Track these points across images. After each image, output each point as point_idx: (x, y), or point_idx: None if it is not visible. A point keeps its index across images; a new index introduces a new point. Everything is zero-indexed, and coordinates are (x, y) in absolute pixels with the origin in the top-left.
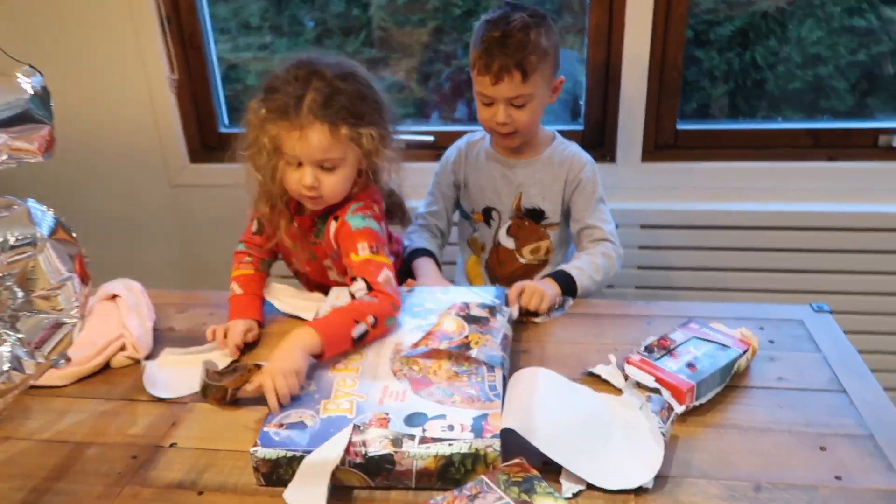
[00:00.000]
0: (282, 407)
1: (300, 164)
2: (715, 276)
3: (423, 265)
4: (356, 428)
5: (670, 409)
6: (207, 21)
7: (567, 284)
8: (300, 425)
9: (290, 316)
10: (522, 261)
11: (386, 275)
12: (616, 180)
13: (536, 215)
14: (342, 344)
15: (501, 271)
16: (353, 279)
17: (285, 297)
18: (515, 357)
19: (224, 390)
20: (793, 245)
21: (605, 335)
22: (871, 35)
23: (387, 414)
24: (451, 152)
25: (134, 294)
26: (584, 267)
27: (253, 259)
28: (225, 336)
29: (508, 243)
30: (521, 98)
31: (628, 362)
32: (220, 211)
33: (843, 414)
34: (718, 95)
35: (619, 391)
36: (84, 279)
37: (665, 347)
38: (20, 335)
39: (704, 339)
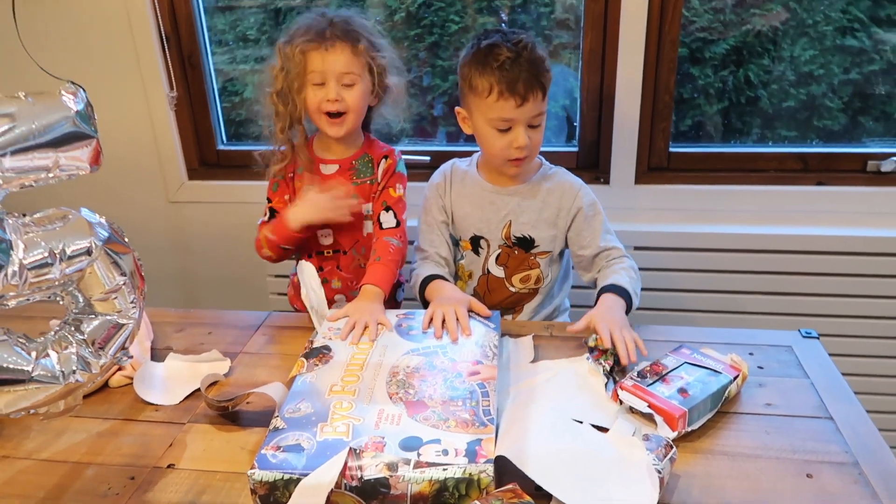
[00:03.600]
0: (278, 431)
1: (322, 84)
2: (708, 298)
3: (438, 285)
4: (352, 451)
5: (669, 447)
6: (206, 39)
7: (628, 299)
8: (297, 448)
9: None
10: (512, 289)
11: (406, 214)
12: (610, 202)
13: (526, 244)
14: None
15: (491, 299)
16: (387, 209)
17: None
18: (504, 374)
19: (224, 408)
20: (783, 268)
21: None
22: (863, 55)
23: (382, 437)
24: (436, 177)
25: None
26: (627, 279)
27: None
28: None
29: (498, 272)
30: (539, 117)
31: (621, 387)
32: (218, 227)
33: (830, 441)
34: (713, 112)
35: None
36: (138, 281)
37: (657, 373)
38: (84, 336)
39: (696, 365)
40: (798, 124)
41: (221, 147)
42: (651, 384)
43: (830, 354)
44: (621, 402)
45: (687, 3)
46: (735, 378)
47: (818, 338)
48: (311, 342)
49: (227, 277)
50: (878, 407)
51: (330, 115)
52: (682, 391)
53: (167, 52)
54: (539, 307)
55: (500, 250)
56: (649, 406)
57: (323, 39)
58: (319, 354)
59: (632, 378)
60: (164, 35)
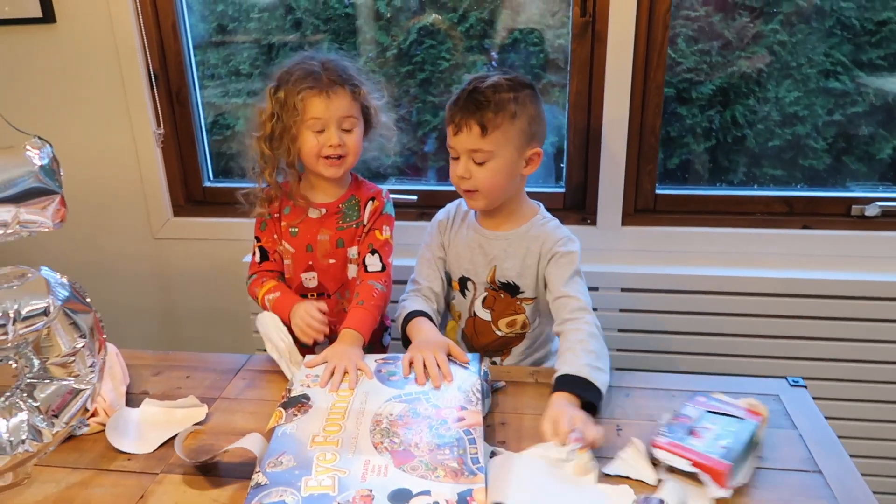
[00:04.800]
0: (260, 487)
1: (321, 131)
2: (693, 340)
3: (419, 324)
4: None
5: None
6: (195, 76)
7: (583, 388)
8: None
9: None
10: (499, 333)
11: (391, 258)
12: (596, 243)
13: (511, 289)
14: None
15: (478, 341)
16: (373, 252)
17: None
18: (491, 431)
19: (200, 464)
20: (769, 311)
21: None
22: (846, 97)
23: (370, 491)
24: (440, 214)
25: (108, 358)
26: (584, 361)
27: (269, 276)
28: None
29: (484, 315)
30: (480, 154)
31: (656, 446)
32: (203, 265)
33: (818, 496)
34: (700, 151)
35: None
36: (98, 344)
37: (684, 426)
38: (37, 404)
39: (717, 413)
40: (783, 163)
41: (208, 184)
42: (683, 439)
43: (815, 398)
44: (657, 463)
45: (673, 45)
46: (759, 423)
47: (805, 386)
48: (289, 391)
49: (211, 315)
50: (861, 451)
51: (328, 157)
52: (717, 443)
53: (155, 89)
54: (527, 351)
55: (486, 293)
56: (693, 464)
57: (322, 85)
58: (298, 404)
59: (663, 434)
60: (152, 72)
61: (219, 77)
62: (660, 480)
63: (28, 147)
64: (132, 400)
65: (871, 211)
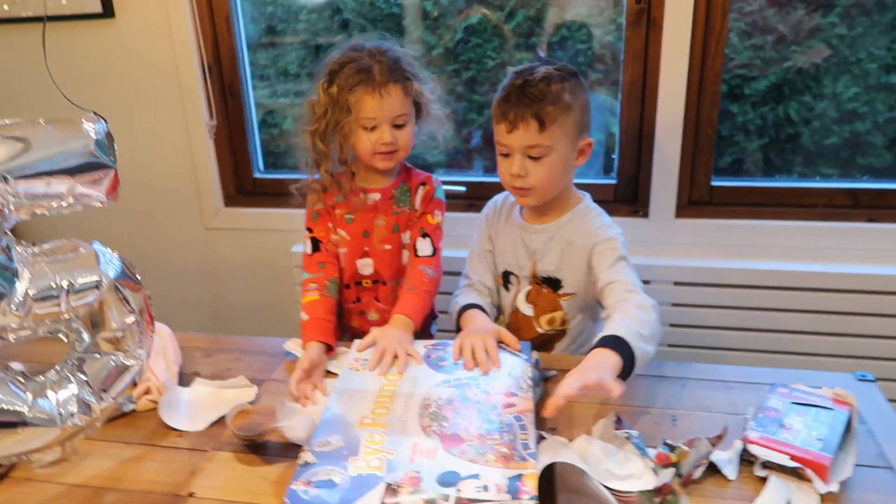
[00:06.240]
0: (308, 465)
1: (374, 128)
2: (749, 337)
3: (472, 315)
4: (389, 487)
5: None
6: (248, 70)
7: (618, 348)
8: (329, 483)
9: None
10: (540, 330)
11: (442, 242)
12: (649, 236)
13: (554, 283)
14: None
15: (519, 338)
16: (424, 236)
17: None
18: (542, 418)
19: (251, 440)
20: (831, 308)
21: (635, 395)
22: None
23: (418, 472)
24: (488, 207)
25: (161, 338)
26: (626, 324)
27: (318, 285)
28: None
29: (527, 310)
30: (537, 149)
31: (748, 441)
32: (252, 255)
33: (891, 493)
34: (753, 149)
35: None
36: (148, 321)
37: (773, 419)
38: (86, 378)
39: (804, 405)
40: (841, 162)
41: (258, 175)
42: (776, 433)
43: (887, 399)
44: (755, 459)
45: (726, 40)
46: (851, 413)
47: (874, 381)
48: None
49: (259, 304)
50: None
51: (381, 152)
52: (813, 435)
53: (208, 81)
54: (570, 348)
55: (530, 287)
56: (792, 458)
57: (374, 83)
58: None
59: (753, 428)
60: (206, 65)
61: (267, 78)
62: (764, 479)
63: (84, 121)
64: (184, 380)
65: None
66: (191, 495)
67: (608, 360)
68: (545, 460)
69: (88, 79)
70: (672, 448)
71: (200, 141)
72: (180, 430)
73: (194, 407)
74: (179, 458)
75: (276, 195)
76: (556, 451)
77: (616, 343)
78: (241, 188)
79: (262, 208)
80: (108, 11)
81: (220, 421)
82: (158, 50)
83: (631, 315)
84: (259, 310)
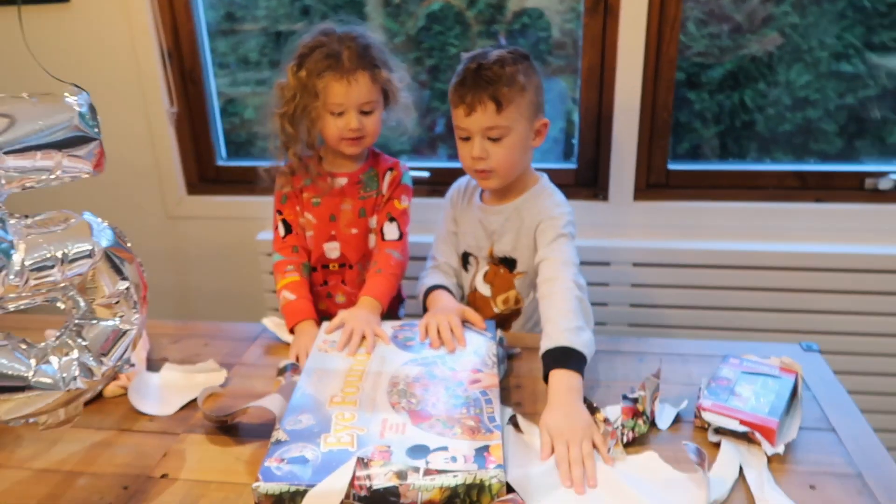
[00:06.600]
0: (281, 443)
1: (341, 114)
2: (706, 315)
3: (437, 295)
4: (360, 461)
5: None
6: (208, 56)
7: (569, 357)
8: (301, 459)
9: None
10: (496, 310)
11: (408, 227)
12: (608, 218)
13: (509, 263)
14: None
15: None
16: (391, 220)
17: (282, 332)
18: (507, 394)
19: (223, 422)
20: (782, 285)
21: (596, 371)
22: (857, 80)
23: (388, 446)
24: (452, 190)
25: None
26: (563, 326)
27: (295, 266)
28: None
29: (485, 290)
30: (496, 130)
31: (702, 409)
32: (216, 242)
33: (833, 452)
34: (709, 136)
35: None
36: (142, 287)
37: (725, 388)
38: (86, 343)
39: (753, 373)
40: (794, 148)
41: (221, 163)
42: (727, 400)
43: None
44: (708, 425)
45: (683, 28)
46: (796, 380)
47: (819, 351)
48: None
49: (224, 292)
50: (881, 424)
51: (347, 137)
52: (760, 401)
53: (168, 68)
54: (525, 326)
55: (487, 267)
56: (741, 423)
57: (342, 69)
58: (293, 369)
59: (706, 396)
60: (165, 51)
61: (227, 66)
62: (717, 444)
63: (66, 94)
64: (153, 366)
65: (884, 184)
66: (163, 476)
67: (573, 386)
68: (517, 473)
69: (44, 65)
70: (634, 400)
71: (161, 128)
72: (151, 415)
73: (164, 391)
74: (151, 441)
75: (239, 182)
76: (527, 459)
77: (565, 356)
78: (204, 176)
79: (226, 196)
80: None
81: (191, 405)
82: (116, 36)
83: (560, 309)
84: (225, 297)
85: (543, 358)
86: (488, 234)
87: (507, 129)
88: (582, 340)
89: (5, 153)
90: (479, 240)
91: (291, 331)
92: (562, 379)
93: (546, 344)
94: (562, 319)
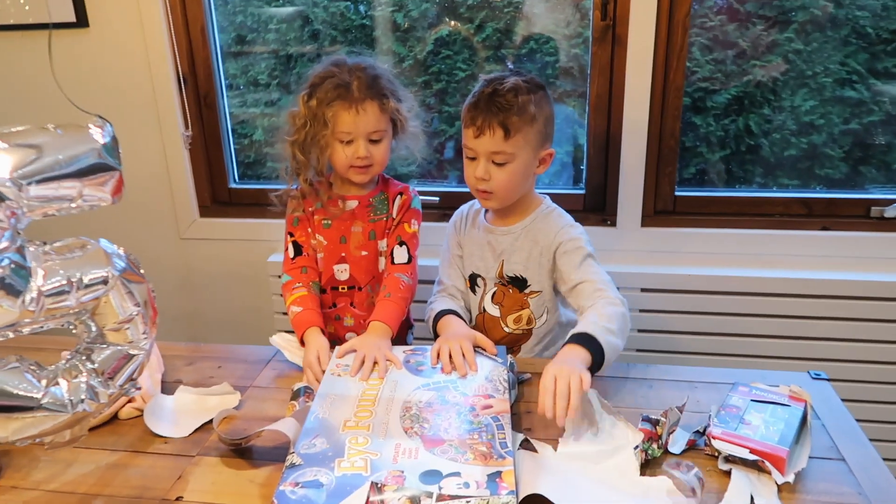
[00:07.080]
0: (295, 467)
1: (350, 142)
2: (714, 341)
3: (448, 320)
4: (374, 486)
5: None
6: (222, 81)
7: (588, 344)
8: (315, 483)
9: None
10: (507, 329)
11: (418, 251)
12: (616, 244)
13: (520, 283)
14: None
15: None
16: (400, 244)
17: (292, 347)
18: (517, 419)
19: (237, 444)
20: (789, 312)
21: (606, 396)
22: (862, 105)
23: (402, 472)
24: (455, 216)
25: None
26: (595, 320)
27: (303, 283)
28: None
29: (494, 311)
30: (501, 155)
31: (712, 437)
32: (228, 265)
33: (842, 482)
34: (715, 160)
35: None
36: (152, 313)
37: (734, 416)
38: (94, 366)
39: (762, 402)
40: (799, 173)
41: (233, 185)
42: (737, 428)
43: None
44: (718, 453)
45: (688, 54)
46: (805, 409)
47: (828, 379)
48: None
49: (236, 314)
50: (887, 454)
51: (355, 165)
52: (771, 430)
53: (184, 92)
54: (536, 348)
55: (495, 288)
56: (751, 452)
57: (352, 99)
58: (306, 394)
59: (716, 424)
60: (181, 76)
61: (237, 87)
62: (728, 472)
63: (91, 126)
64: (167, 388)
65: (890, 212)
66: (178, 499)
67: (579, 355)
68: (526, 489)
69: (64, 90)
70: (654, 423)
71: (176, 152)
72: (165, 437)
73: (179, 414)
74: (166, 463)
75: (251, 205)
76: (541, 464)
77: (585, 340)
78: (217, 198)
79: (238, 218)
80: (81, 21)
81: (205, 427)
82: (133, 60)
83: (600, 312)
84: (236, 319)
85: (568, 340)
86: (497, 254)
87: (512, 155)
88: (608, 341)
89: (30, 183)
90: (487, 261)
91: (302, 342)
92: (573, 348)
93: (577, 328)
94: (598, 318)
